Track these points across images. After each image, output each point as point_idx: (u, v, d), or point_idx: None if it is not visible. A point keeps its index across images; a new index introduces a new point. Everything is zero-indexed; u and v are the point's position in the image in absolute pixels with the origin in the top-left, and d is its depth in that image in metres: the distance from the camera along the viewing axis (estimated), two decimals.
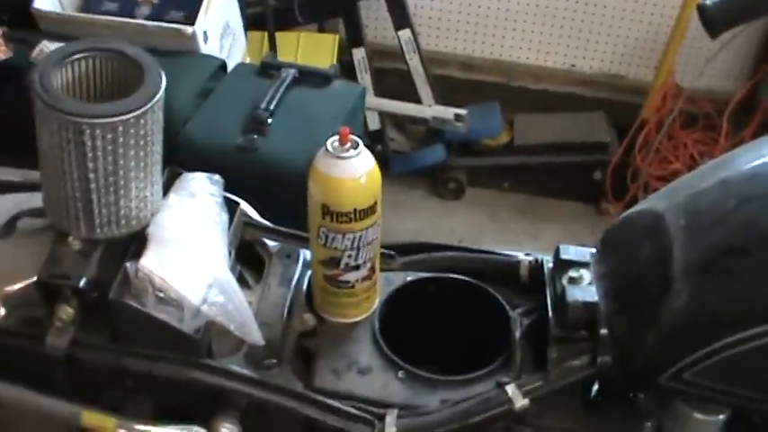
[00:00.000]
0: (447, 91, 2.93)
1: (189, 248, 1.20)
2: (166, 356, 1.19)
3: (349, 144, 1.20)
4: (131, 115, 1.09)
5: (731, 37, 2.67)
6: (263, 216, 1.48)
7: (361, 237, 1.23)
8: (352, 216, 1.21)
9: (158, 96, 1.13)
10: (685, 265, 1.15)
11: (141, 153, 1.14)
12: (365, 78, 2.81)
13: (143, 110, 1.10)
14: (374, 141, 2.88)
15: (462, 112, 2.75)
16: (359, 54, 2.79)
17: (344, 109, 2.06)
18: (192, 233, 1.22)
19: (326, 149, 1.20)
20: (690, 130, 2.85)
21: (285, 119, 1.96)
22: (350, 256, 1.25)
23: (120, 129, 1.09)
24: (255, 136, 1.92)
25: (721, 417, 1.22)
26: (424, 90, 2.86)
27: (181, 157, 1.94)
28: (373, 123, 2.85)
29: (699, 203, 1.22)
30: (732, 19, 1.24)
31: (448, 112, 2.74)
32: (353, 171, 1.19)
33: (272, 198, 1.80)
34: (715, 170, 1.28)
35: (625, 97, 3.00)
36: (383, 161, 2.85)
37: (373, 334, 1.31)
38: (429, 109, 2.78)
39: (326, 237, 1.23)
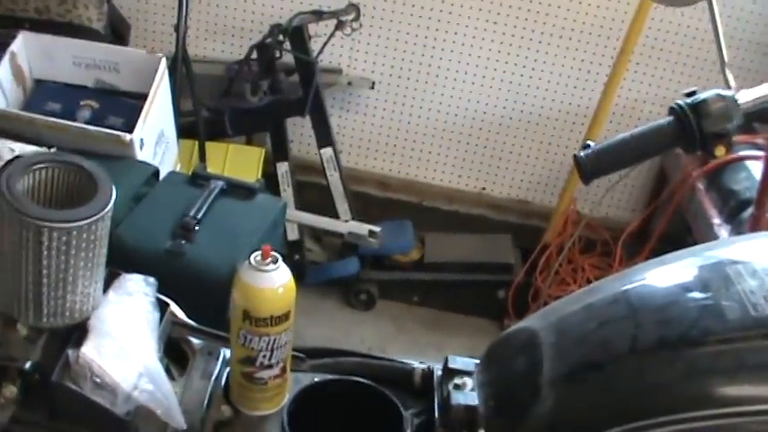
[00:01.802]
0: (363, 207, 3.18)
1: (124, 340, 1.41)
2: None
3: (270, 259, 1.42)
4: (85, 222, 1.31)
5: (628, 170, 3.01)
6: (188, 315, 1.69)
7: (275, 340, 1.45)
8: (269, 321, 1.43)
9: (109, 207, 1.35)
10: (551, 377, 1.39)
11: (90, 255, 1.35)
12: (287, 191, 3.05)
13: (95, 218, 1.32)
14: (292, 251, 3.10)
15: (376, 229, 3.00)
16: (282, 168, 3.03)
17: (267, 221, 2.25)
18: (127, 327, 1.43)
19: (250, 263, 1.42)
20: (588, 255, 3.15)
21: (211, 227, 2.15)
22: (264, 356, 1.46)
23: (75, 233, 1.31)
24: (183, 241, 2.10)
25: None
26: (342, 205, 3.10)
27: (113, 257, 2.14)
28: (292, 234, 3.08)
29: (567, 324, 1.47)
30: (601, 169, 1.52)
31: (362, 228, 2.99)
32: (272, 283, 1.42)
33: (197, 299, 1.96)
34: (585, 296, 1.53)
35: (531, 221, 3.30)
36: (300, 270, 3.08)
37: (282, 427, 1.51)
38: (345, 224, 3.02)
39: (245, 338, 1.45)
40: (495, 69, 3.17)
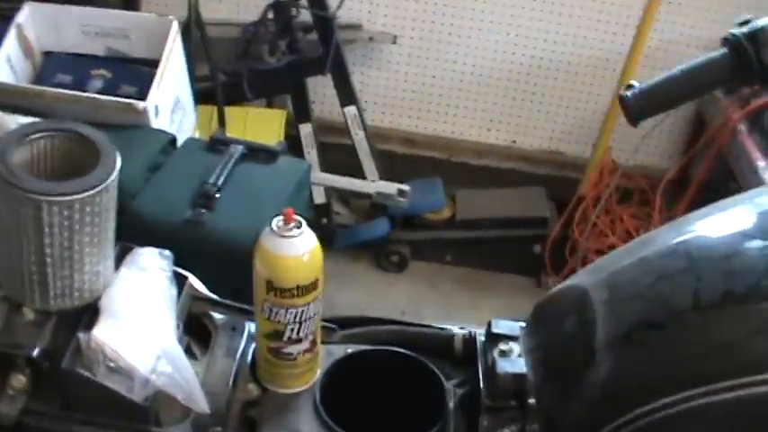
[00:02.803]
0: (390, 166, 3.05)
1: (139, 320, 1.28)
2: (116, 424, 1.26)
3: (293, 224, 1.28)
4: (87, 194, 1.18)
5: (664, 116, 2.84)
6: (209, 288, 1.56)
7: (303, 311, 1.32)
8: (295, 292, 1.29)
9: (113, 176, 1.21)
10: (607, 338, 1.25)
11: (96, 229, 1.22)
12: (311, 153, 2.92)
13: (99, 189, 1.19)
14: (320, 215, 2.97)
15: (405, 187, 2.86)
16: (306, 129, 2.89)
17: (290, 185, 2.14)
18: (142, 306, 1.30)
19: (272, 228, 1.29)
20: (625, 205, 2.99)
21: (233, 194, 2.04)
22: (292, 330, 1.33)
23: (77, 206, 1.18)
24: (203, 210, 1.99)
25: None
26: (369, 165, 2.97)
27: (129, 230, 2.01)
28: (319, 197, 2.95)
29: (620, 280, 1.33)
30: (649, 109, 1.37)
31: (391, 188, 2.85)
32: (297, 250, 1.28)
33: (219, 271, 1.87)
34: (636, 249, 1.39)
35: (564, 173, 3.14)
36: (328, 234, 2.96)
37: (314, 405, 1.38)
38: (373, 184, 2.89)
39: (270, 311, 1.31)
40: (522, 16, 3.01)
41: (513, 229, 3.01)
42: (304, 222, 1.30)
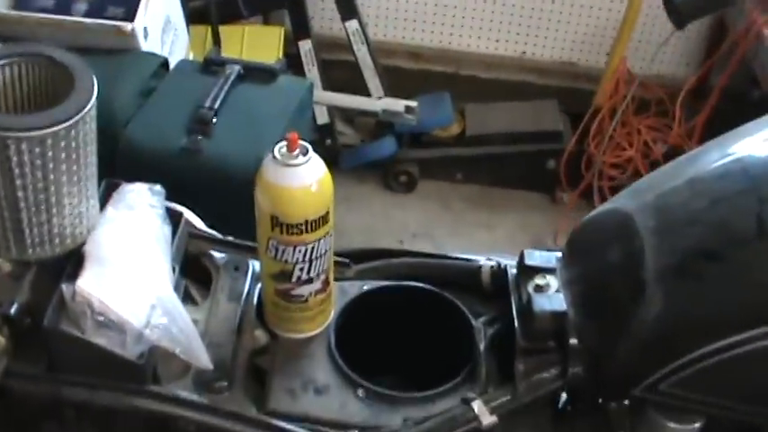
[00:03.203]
0: (395, 81, 2.85)
1: (129, 267, 1.11)
2: (108, 384, 1.10)
3: (298, 150, 1.11)
4: (61, 126, 1.00)
5: None
6: (209, 224, 1.39)
7: (313, 248, 1.15)
8: (303, 227, 1.12)
9: (90, 105, 1.03)
10: (658, 270, 1.09)
11: (74, 167, 1.04)
12: (312, 71, 2.72)
13: (74, 120, 1.01)
14: (323, 136, 2.79)
15: (413, 104, 2.67)
16: (305, 46, 2.69)
17: (292, 105, 1.97)
18: (132, 250, 1.13)
19: (274, 156, 1.11)
20: (642, 117, 2.80)
21: (230, 118, 1.87)
22: (302, 269, 1.17)
23: (50, 142, 1.00)
24: (200, 137, 1.82)
25: (696, 425, 1.16)
26: (373, 81, 2.77)
27: (122, 161, 1.85)
28: (322, 117, 2.76)
29: (668, 204, 1.16)
30: (698, 10, 1.18)
31: (398, 105, 2.66)
32: (303, 179, 1.11)
33: (219, 202, 1.71)
34: (683, 168, 1.22)
35: (577, 84, 2.94)
36: (333, 156, 2.77)
37: (329, 350, 1.22)
38: (379, 102, 2.70)
39: (276, 249, 1.15)
40: None
41: (526, 144, 2.81)
42: (310, 148, 1.12)
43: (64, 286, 1.08)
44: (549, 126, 2.82)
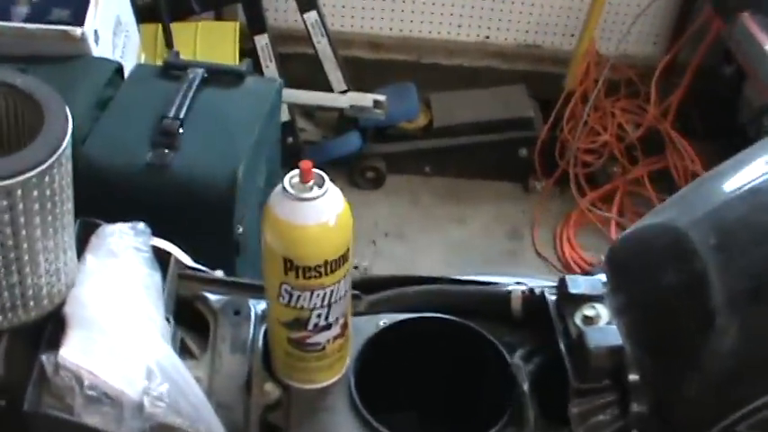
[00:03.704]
0: (355, 73, 2.67)
1: (118, 327, 0.92)
2: None
3: (313, 181, 0.93)
4: (32, 173, 0.80)
5: (650, 1, 2.50)
6: (184, 247, 1.20)
7: (332, 292, 0.97)
8: (323, 270, 0.95)
9: (66, 142, 0.84)
10: (728, 295, 0.93)
11: (49, 217, 0.85)
12: (270, 67, 2.52)
13: (48, 163, 0.81)
14: (285, 134, 2.58)
15: (381, 97, 2.50)
16: (262, 41, 2.49)
17: (263, 109, 1.80)
18: (119, 306, 0.94)
19: (284, 189, 0.93)
20: (613, 99, 2.66)
21: (198, 127, 1.69)
22: (319, 316, 0.99)
23: (19, 193, 0.80)
24: (166, 150, 1.64)
25: None
26: (335, 74, 2.59)
27: (81, 182, 1.64)
28: (283, 115, 2.55)
29: (728, 218, 1.00)
30: None
31: (366, 99, 2.49)
32: (321, 215, 0.93)
33: (191, 223, 1.53)
34: (735, 177, 1.06)
35: (543, 68, 2.80)
36: (295, 154, 2.58)
37: (351, 400, 1.05)
38: (345, 97, 2.52)
39: (290, 295, 0.96)
40: None
41: (496, 133, 2.65)
42: (326, 177, 0.94)
43: (44, 357, 0.88)
44: (519, 113, 2.67)
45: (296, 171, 0.93)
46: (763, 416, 0.93)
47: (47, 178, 0.81)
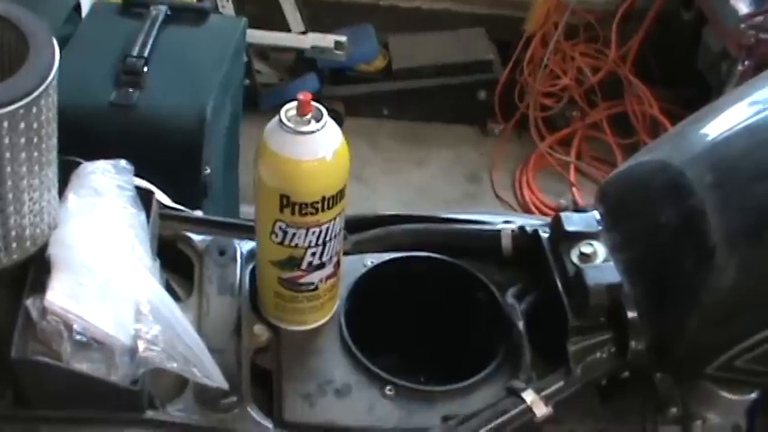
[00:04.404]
0: (312, 14, 2.59)
1: (107, 269, 0.87)
2: (98, 418, 0.86)
3: (311, 113, 0.88)
4: (21, 103, 0.74)
5: None
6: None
7: (328, 229, 0.94)
8: (320, 206, 0.91)
9: (53, 72, 0.78)
10: (727, 233, 0.92)
11: (35, 153, 0.79)
12: (227, 7, 2.43)
13: (37, 93, 0.75)
14: None
15: (342, 38, 2.43)
16: None
17: (228, 48, 1.74)
18: (107, 247, 0.89)
19: (281, 122, 0.88)
20: (573, 43, 2.63)
21: (163, 66, 1.62)
22: (314, 254, 0.95)
23: (6, 125, 0.74)
24: (131, 89, 1.57)
25: (752, 396, 1.02)
26: (293, 15, 2.51)
27: None
28: None
29: (725, 155, 0.99)
30: None
31: (327, 40, 2.42)
32: (319, 150, 0.89)
33: (158, 163, 1.46)
34: (730, 113, 1.04)
35: (503, 11, 2.74)
36: (253, 96, 2.51)
37: (343, 342, 1.02)
38: (307, 38, 2.45)
39: (285, 233, 0.93)
40: None
41: (455, 76, 2.60)
42: (324, 111, 0.90)
43: (29, 302, 0.83)
44: (478, 56, 2.62)
45: (293, 103, 0.89)
46: (762, 350, 0.92)
47: (34, 109, 0.75)
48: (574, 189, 2.51)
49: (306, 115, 0.88)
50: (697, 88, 2.39)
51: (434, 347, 1.13)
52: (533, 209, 2.48)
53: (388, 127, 2.70)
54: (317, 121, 0.88)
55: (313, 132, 0.88)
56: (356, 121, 2.69)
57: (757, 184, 0.94)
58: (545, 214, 2.44)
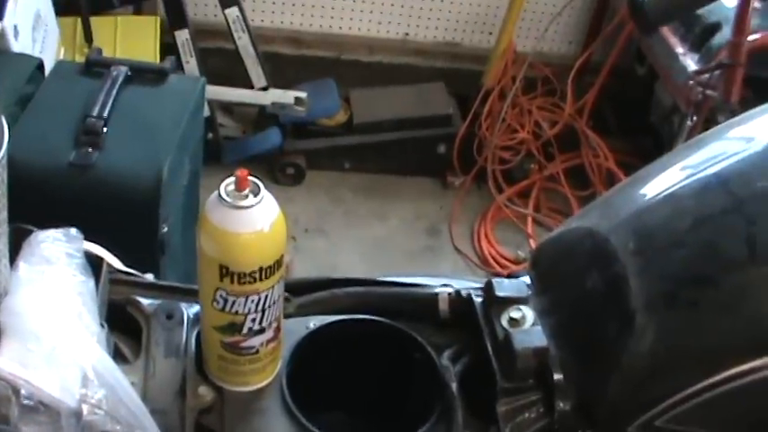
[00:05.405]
0: (275, 69, 2.68)
1: (54, 336, 0.92)
2: None
3: (248, 189, 0.95)
4: None
5: (568, 1, 2.57)
6: (110, 248, 1.20)
7: (267, 296, 0.99)
8: (257, 275, 0.96)
9: (3, 149, 0.84)
10: (646, 298, 0.98)
11: None
12: (191, 62, 2.51)
13: None
14: (204, 129, 2.58)
15: (302, 94, 2.51)
16: (182, 36, 2.48)
17: (187, 107, 1.81)
18: (55, 315, 0.94)
19: (221, 197, 0.94)
20: (530, 97, 2.72)
21: (122, 126, 1.70)
22: (254, 320, 1.01)
23: None
24: (90, 149, 1.65)
25: None
26: (255, 70, 2.59)
27: None
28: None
29: (647, 223, 1.05)
30: (669, 14, 1.07)
31: (287, 97, 2.50)
32: (256, 223, 0.95)
33: (115, 224, 1.53)
34: (656, 182, 1.11)
35: (462, 65, 2.85)
36: (215, 149, 2.58)
37: (284, 402, 1.07)
38: (267, 94, 2.53)
39: (225, 301, 0.98)
40: None
41: (415, 130, 2.69)
42: (261, 185, 0.96)
43: None
44: (438, 110, 2.72)
45: (231, 179, 0.95)
46: (678, 411, 0.98)
47: None
48: (531, 241, 2.59)
49: (243, 190, 0.94)
50: (652, 139, 2.49)
51: (376, 406, 1.18)
52: (491, 261, 2.56)
53: (350, 180, 2.78)
54: (255, 195, 0.95)
55: (250, 207, 0.94)
56: (318, 175, 2.78)
57: (675, 250, 1.01)
58: (503, 267, 2.52)
